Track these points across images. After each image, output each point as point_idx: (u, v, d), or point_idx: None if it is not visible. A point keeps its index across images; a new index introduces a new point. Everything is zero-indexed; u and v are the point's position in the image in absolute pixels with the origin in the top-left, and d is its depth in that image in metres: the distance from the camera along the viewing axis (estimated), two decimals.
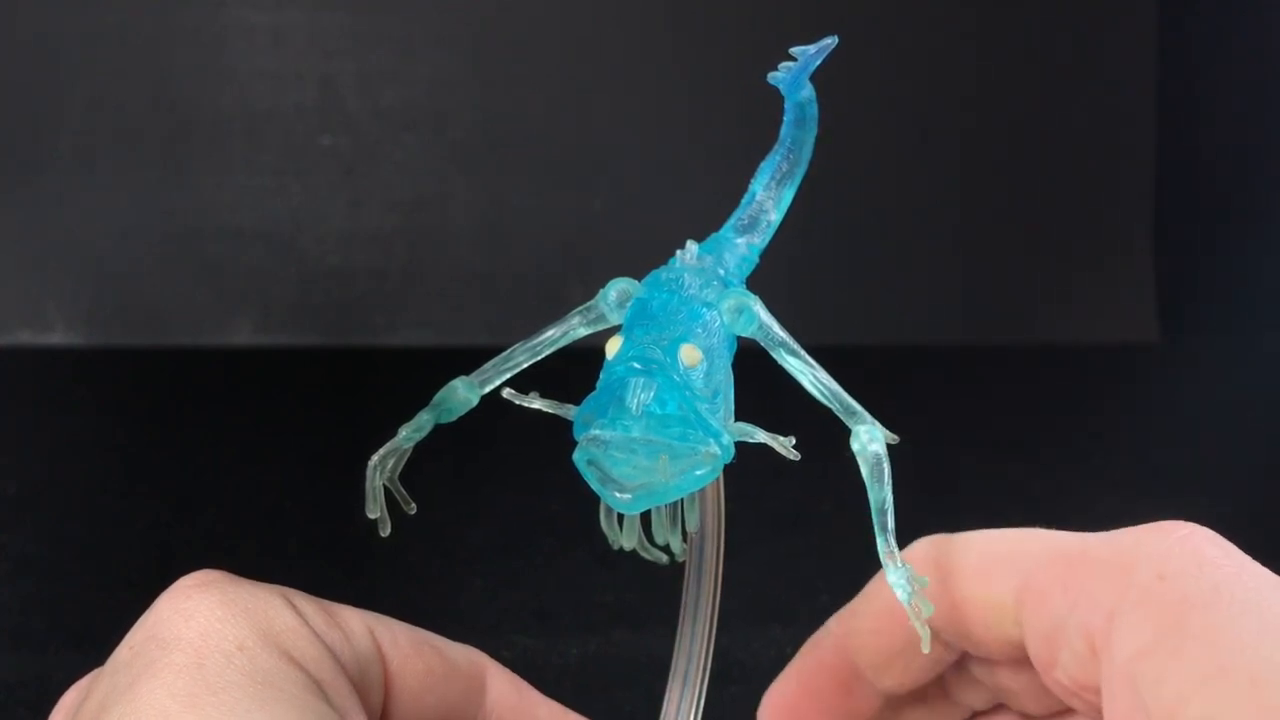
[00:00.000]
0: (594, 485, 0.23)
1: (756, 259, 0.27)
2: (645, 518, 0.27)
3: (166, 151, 1.20)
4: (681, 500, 0.27)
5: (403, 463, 0.26)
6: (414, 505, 0.27)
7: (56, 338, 1.19)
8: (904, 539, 0.24)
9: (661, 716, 0.28)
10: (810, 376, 0.24)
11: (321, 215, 1.23)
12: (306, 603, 0.24)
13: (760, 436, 0.23)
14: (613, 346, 0.24)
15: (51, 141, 1.19)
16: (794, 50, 0.24)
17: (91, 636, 0.61)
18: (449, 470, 0.83)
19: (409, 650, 0.25)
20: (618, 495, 0.22)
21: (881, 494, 0.23)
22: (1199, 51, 1.25)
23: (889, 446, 0.23)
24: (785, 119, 0.26)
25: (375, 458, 0.26)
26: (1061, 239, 1.30)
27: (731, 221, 0.27)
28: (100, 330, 1.19)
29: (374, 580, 0.69)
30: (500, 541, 0.73)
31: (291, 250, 1.22)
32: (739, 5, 1.24)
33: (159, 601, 0.23)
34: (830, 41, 0.24)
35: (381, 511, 0.26)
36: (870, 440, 0.23)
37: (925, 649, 0.24)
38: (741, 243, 0.26)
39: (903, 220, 1.23)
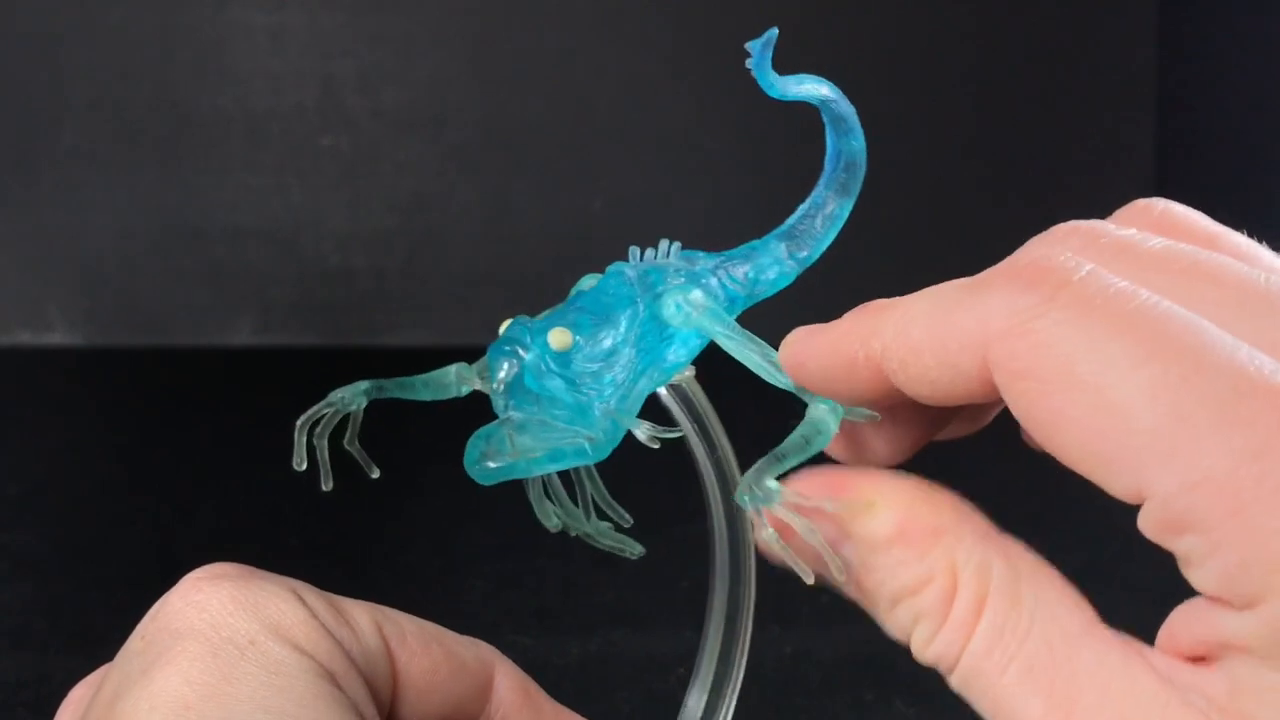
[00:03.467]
0: (465, 458, 0.23)
1: (799, 270, 0.26)
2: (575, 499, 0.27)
3: (167, 151, 1.21)
4: (587, 485, 0.27)
5: (357, 427, 0.26)
6: (376, 470, 0.27)
7: (56, 338, 1.19)
8: None
9: None
10: (760, 361, 0.23)
11: (321, 215, 1.23)
12: (316, 597, 0.24)
13: (631, 424, 0.23)
14: (502, 328, 0.24)
15: (51, 141, 1.19)
16: (746, 45, 0.24)
17: (91, 636, 0.61)
18: (449, 471, 0.83)
19: (417, 648, 0.25)
20: (484, 465, 0.23)
21: (795, 442, 0.22)
22: (1199, 50, 1.25)
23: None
24: (825, 125, 0.25)
25: (302, 418, 0.26)
26: None
27: (779, 229, 0.26)
28: (100, 330, 1.19)
29: (375, 580, 0.69)
30: (500, 542, 0.74)
31: (291, 250, 1.22)
32: (739, 6, 1.24)
33: (170, 593, 0.23)
34: (771, 34, 0.24)
35: (323, 467, 0.26)
36: (826, 412, 0.22)
37: (807, 580, 0.21)
38: (782, 251, 0.26)
39: (903, 220, 1.23)
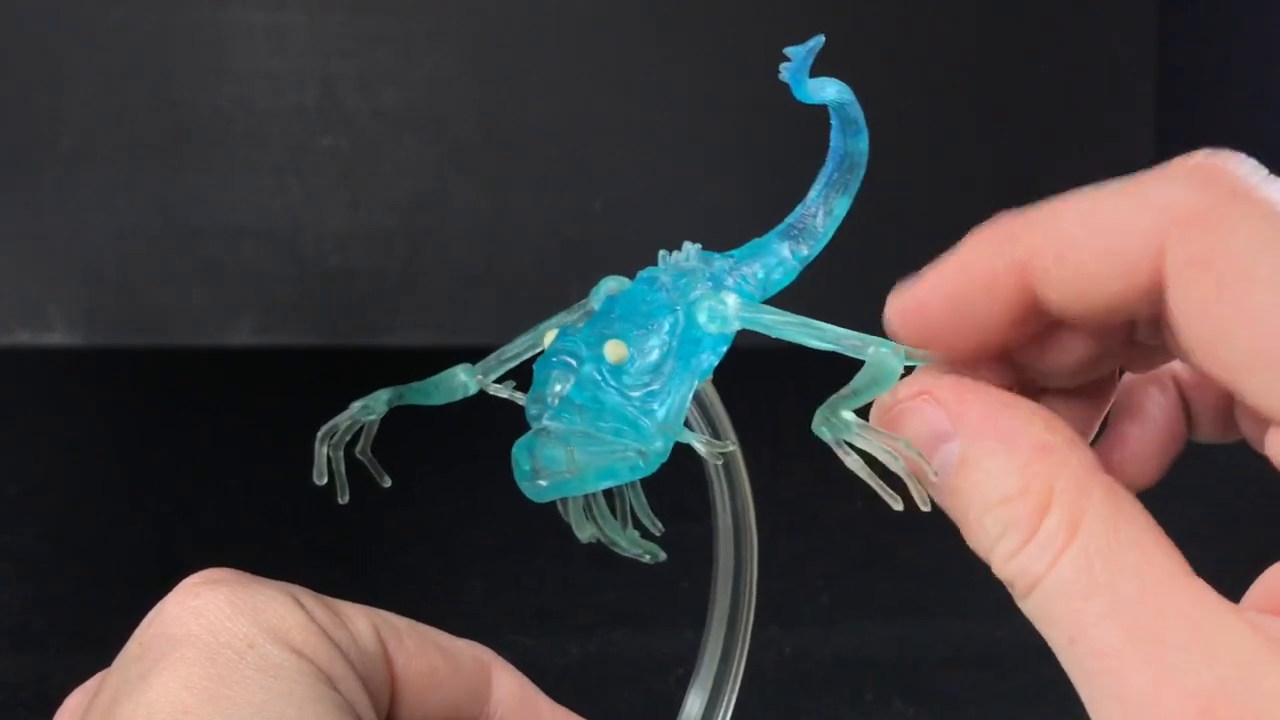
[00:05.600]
0: (515, 473, 0.23)
1: (800, 268, 0.26)
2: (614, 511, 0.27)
3: (167, 151, 1.21)
4: (629, 497, 0.26)
5: (371, 436, 0.26)
6: (388, 480, 0.27)
7: (56, 338, 1.19)
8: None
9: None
10: (812, 339, 0.23)
11: (321, 215, 1.23)
12: (313, 601, 0.24)
13: (689, 438, 0.23)
14: (549, 339, 0.24)
15: (51, 141, 1.19)
16: (786, 50, 0.24)
17: (91, 636, 0.61)
18: (449, 472, 0.83)
19: (414, 650, 0.25)
20: (536, 484, 0.23)
21: (864, 381, 0.21)
22: (1199, 50, 1.25)
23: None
24: (831, 126, 0.25)
25: (324, 429, 0.26)
26: None
27: (779, 228, 0.26)
28: (100, 330, 1.19)
29: (375, 581, 0.69)
30: (500, 542, 0.73)
31: (291, 250, 1.22)
32: (738, 7, 1.24)
33: (167, 599, 0.23)
34: (817, 41, 0.24)
35: (339, 480, 0.26)
36: (887, 354, 0.21)
37: (921, 502, 0.19)
38: (785, 250, 0.26)
39: (903, 220, 1.23)
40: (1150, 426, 0.24)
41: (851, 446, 0.21)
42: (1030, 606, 0.18)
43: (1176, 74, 1.27)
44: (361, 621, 0.25)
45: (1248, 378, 0.17)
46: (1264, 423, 0.18)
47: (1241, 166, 0.18)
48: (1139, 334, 0.22)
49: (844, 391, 0.21)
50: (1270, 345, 0.17)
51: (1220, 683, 0.16)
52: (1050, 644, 0.18)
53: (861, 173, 0.26)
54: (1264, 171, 0.18)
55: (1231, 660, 0.16)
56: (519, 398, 0.24)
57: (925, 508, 0.20)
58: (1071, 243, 0.19)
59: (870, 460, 0.21)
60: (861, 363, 0.22)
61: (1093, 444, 0.24)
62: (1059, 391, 0.23)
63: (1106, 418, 0.24)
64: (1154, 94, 1.29)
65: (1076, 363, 0.22)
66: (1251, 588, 0.18)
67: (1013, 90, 1.30)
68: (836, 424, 0.21)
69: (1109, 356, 0.22)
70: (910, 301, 0.21)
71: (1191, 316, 0.18)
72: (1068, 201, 0.19)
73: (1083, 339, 0.22)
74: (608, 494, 0.26)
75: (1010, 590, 0.19)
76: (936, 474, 0.20)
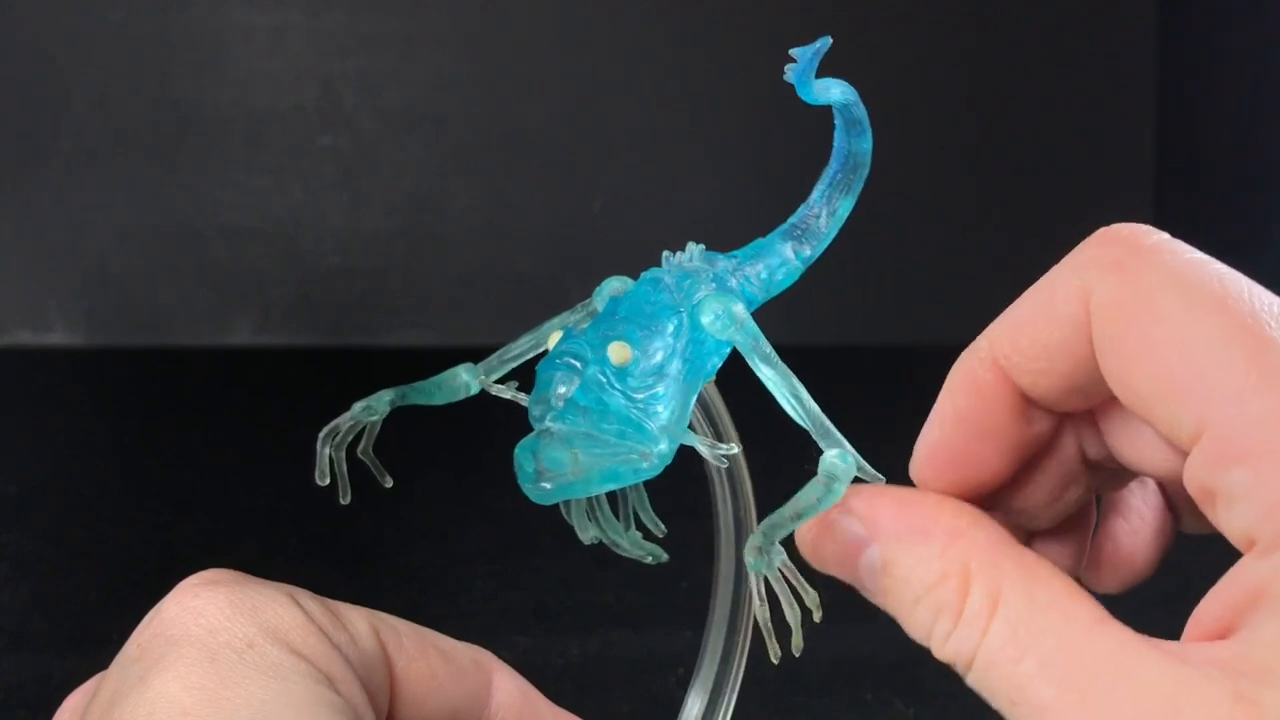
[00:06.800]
0: (518, 476, 0.23)
1: (803, 269, 0.26)
2: (616, 514, 0.27)
3: (167, 151, 1.21)
4: (631, 499, 0.26)
5: (373, 437, 0.26)
6: (390, 479, 0.27)
7: (56, 338, 1.19)
8: None
9: None
10: (786, 391, 0.23)
11: (321, 215, 1.23)
12: (313, 602, 0.24)
13: (692, 441, 0.23)
14: (553, 340, 0.24)
15: (52, 141, 1.19)
16: (792, 51, 0.23)
17: (91, 636, 0.61)
18: (450, 473, 0.83)
19: (414, 653, 0.25)
20: (540, 486, 0.23)
21: (808, 500, 0.22)
22: (1198, 52, 1.25)
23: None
24: (835, 126, 0.25)
25: (325, 429, 0.26)
26: (1062, 240, 1.29)
27: (781, 228, 0.26)
28: (100, 330, 1.19)
29: (375, 581, 0.69)
30: (500, 542, 0.74)
31: (291, 250, 1.22)
32: (738, 7, 1.24)
33: (166, 600, 0.23)
34: (824, 43, 0.23)
35: (342, 481, 0.26)
36: (837, 460, 0.22)
37: (795, 650, 0.22)
38: (788, 250, 0.26)
39: (904, 221, 1.23)
40: (1136, 521, 0.26)
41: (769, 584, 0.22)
42: (974, 681, 0.20)
43: (1176, 74, 1.27)
44: (361, 623, 0.25)
45: (1156, 406, 0.19)
46: (1179, 453, 0.19)
47: (1147, 230, 0.20)
48: (1090, 453, 0.23)
49: (786, 510, 0.22)
50: (1171, 376, 0.19)
51: (1146, 718, 0.17)
52: (1000, 713, 0.19)
53: (865, 173, 0.26)
54: (1167, 235, 0.20)
55: (1154, 694, 0.18)
56: (521, 398, 0.24)
57: (796, 654, 0.22)
58: (1021, 325, 0.21)
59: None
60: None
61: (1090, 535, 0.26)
62: (1046, 533, 0.25)
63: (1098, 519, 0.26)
64: (1154, 94, 1.29)
65: (1052, 490, 0.24)
66: (1187, 625, 0.19)
67: (1012, 90, 1.30)
68: (764, 558, 0.22)
69: (1079, 483, 0.24)
70: (927, 450, 0.23)
71: (1108, 353, 0.20)
72: (1010, 306, 0.22)
73: (1056, 467, 0.23)
74: (610, 495, 0.26)
75: (956, 670, 0.20)
76: (799, 649, 0.22)
